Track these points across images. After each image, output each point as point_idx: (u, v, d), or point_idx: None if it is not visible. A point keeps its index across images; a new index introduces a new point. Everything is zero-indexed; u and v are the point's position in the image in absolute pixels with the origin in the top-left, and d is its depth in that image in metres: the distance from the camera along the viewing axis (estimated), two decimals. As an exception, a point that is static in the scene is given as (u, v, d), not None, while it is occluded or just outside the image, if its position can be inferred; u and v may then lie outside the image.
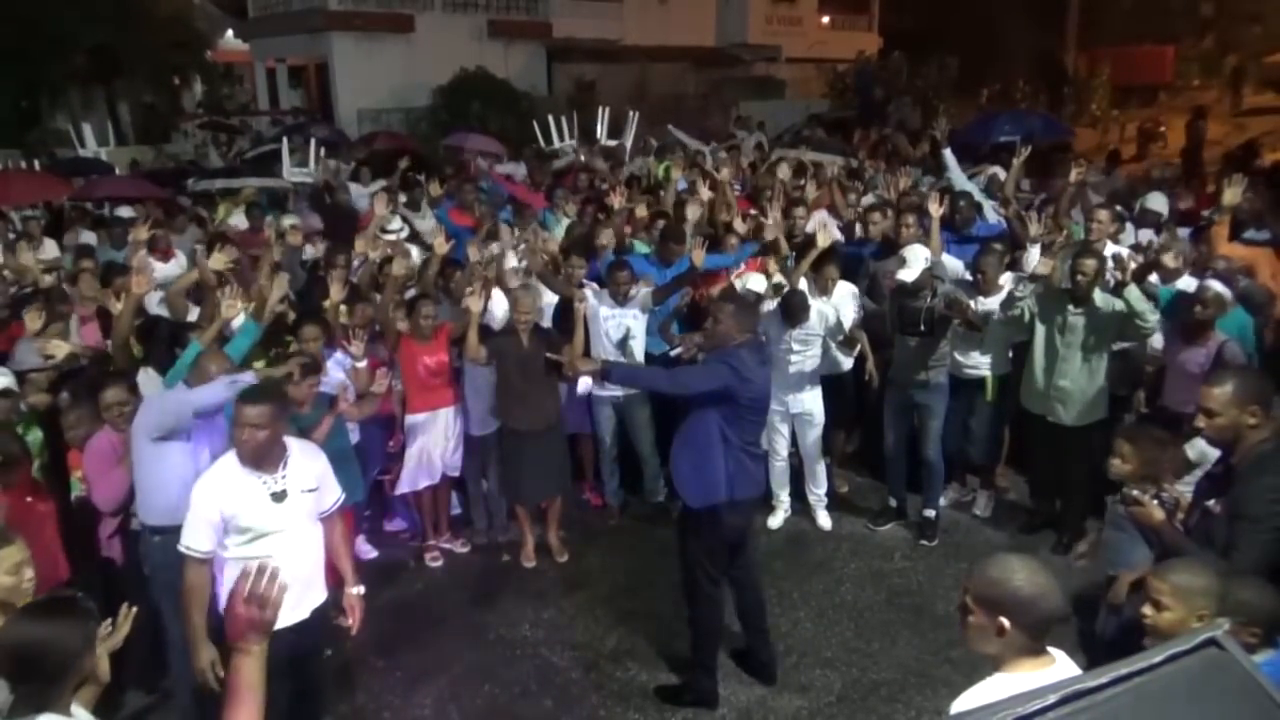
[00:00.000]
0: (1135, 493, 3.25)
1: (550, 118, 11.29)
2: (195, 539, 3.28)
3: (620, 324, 5.72)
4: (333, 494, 3.63)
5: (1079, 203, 7.23)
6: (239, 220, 8.71)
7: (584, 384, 4.80)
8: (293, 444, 3.46)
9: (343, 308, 5.25)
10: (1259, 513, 2.94)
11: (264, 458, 3.29)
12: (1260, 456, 3.03)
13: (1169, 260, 5.56)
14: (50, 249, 7.88)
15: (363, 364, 4.88)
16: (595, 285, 5.91)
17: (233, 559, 3.31)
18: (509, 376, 5.27)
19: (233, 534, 3.29)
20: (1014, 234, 6.37)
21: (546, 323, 5.79)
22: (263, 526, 3.28)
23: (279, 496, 3.31)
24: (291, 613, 3.34)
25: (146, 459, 3.75)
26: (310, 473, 3.44)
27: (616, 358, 5.57)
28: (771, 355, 5.57)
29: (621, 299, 5.71)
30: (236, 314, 4.51)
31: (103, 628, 2.52)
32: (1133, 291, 4.90)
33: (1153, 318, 4.95)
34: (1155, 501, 3.20)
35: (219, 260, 5.34)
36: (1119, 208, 6.98)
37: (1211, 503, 3.19)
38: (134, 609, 2.83)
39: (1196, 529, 3.22)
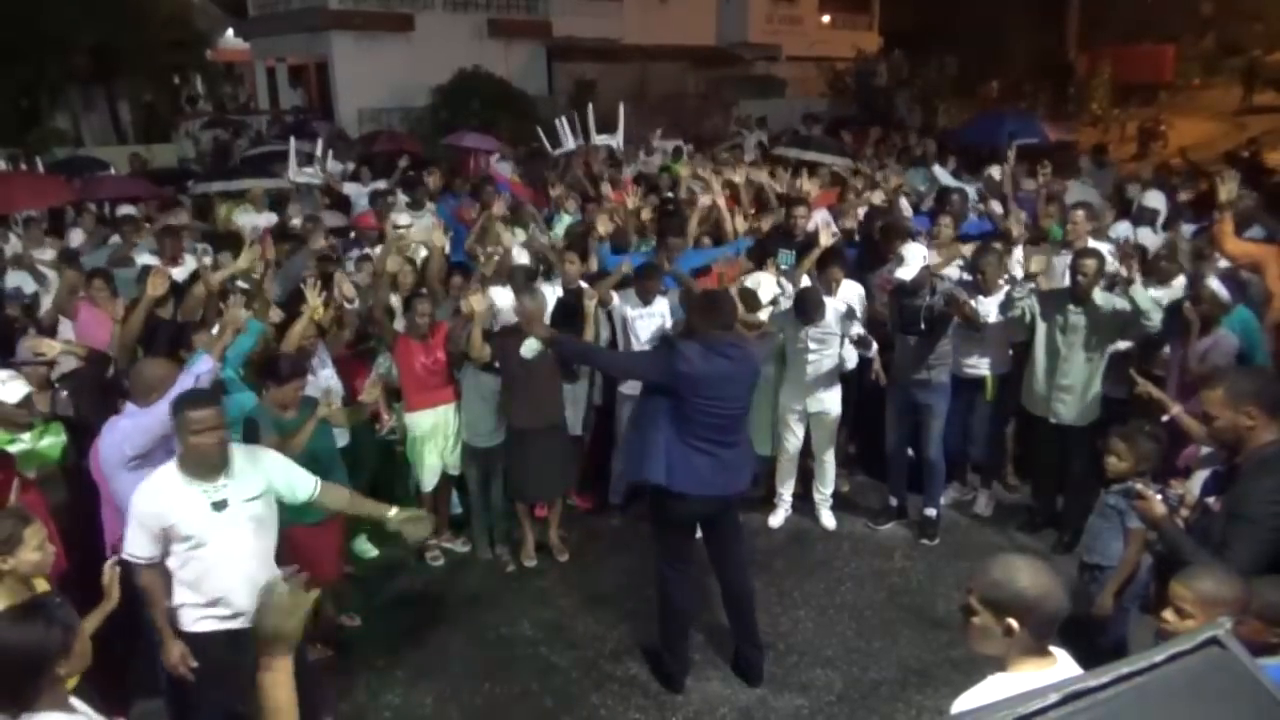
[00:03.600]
0: (1139, 487, 3.26)
1: (562, 121, 11.07)
2: (136, 547, 3.28)
3: (650, 323, 5.70)
4: (305, 484, 3.59)
5: (1055, 202, 7.27)
6: (244, 219, 8.62)
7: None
8: (236, 451, 3.42)
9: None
10: (1256, 514, 2.93)
11: (215, 462, 3.28)
12: (1264, 459, 3.01)
13: (1162, 266, 5.55)
14: (48, 252, 7.81)
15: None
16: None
17: (177, 566, 3.31)
18: (514, 375, 5.24)
19: (175, 542, 3.28)
20: (1005, 232, 6.42)
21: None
22: (203, 535, 3.26)
23: (219, 505, 3.28)
24: (234, 621, 3.34)
25: (125, 487, 3.51)
26: (252, 482, 3.40)
27: None
28: (791, 355, 5.59)
29: (649, 300, 5.71)
30: (244, 324, 4.43)
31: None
32: (1139, 289, 4.90)
33: (1156, 315, 4.94)
34: (1159, 497, 3.19)
35: (246, 258, 5.21)
36: (1097, 205, 7.03)
37: (1212, 500, 3.19)
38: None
39: (1196, 526, 3.22)
